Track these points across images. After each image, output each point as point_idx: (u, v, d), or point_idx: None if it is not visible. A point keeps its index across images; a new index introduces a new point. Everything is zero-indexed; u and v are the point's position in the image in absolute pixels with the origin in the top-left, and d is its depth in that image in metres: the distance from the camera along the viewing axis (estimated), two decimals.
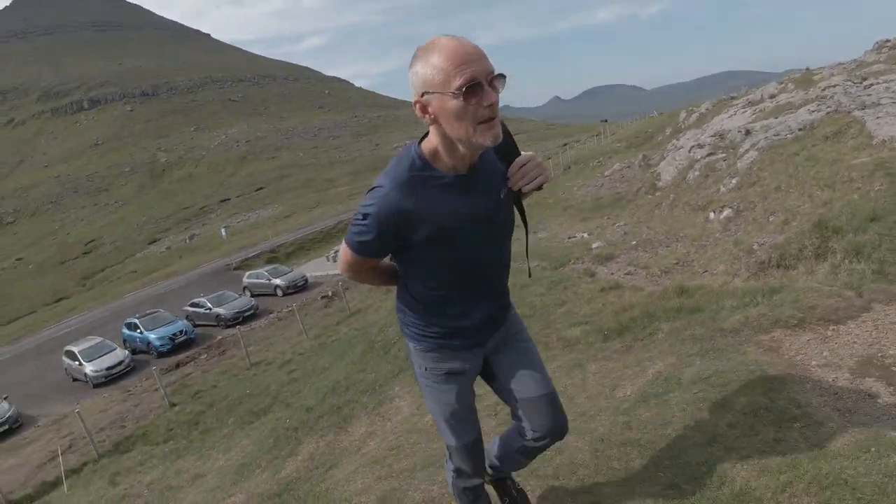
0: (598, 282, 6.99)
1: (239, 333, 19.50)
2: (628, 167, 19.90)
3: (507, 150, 1.89)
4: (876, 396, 2.72)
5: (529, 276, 2.67)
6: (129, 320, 26.22)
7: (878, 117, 8.61)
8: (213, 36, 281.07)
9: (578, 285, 6.88)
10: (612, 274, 7.60)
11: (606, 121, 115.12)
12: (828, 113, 9.67)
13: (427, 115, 1.68)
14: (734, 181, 9.35)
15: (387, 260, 2.06)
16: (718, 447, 2.59)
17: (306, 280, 30.50)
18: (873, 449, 2.28)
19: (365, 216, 1.77)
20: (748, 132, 11.03)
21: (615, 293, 6.26)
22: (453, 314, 2.02)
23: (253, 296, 29.58)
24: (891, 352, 3.13)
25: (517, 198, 1.95)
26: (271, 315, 25.40)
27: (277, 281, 29.86)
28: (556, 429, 2.16)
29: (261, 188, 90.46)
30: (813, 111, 10.10)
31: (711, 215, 8.61)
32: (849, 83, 14.20)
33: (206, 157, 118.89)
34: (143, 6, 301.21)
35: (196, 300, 28.10)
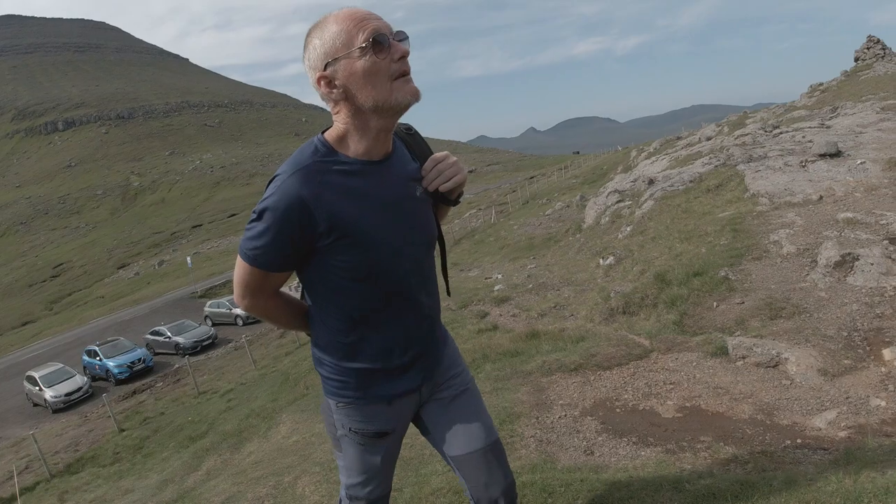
0: (480, 324, 7.91)
1: (188, 364, 20.25)
2: (568, 207, 20.93)
3: (421, 150, 1.79)
4: (579, 432, 3.62)
5: (448, 294, 2.25)
6: (89, 347, 26.68)
7: (757, 171, 9.69)
8: (193, 61, 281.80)
9: (464, 326, 7.80)
10: (501, 316, 8.53)
11: (578, 152, 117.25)
12: (716, 166, 10.78)
13: (334, 90, 1.52)
14: (629, 229, 10.39)
15: (295, 295, 1.85)
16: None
17: None
18: (538, 474, 2.99)
19: (260, 213, 1.52)
20: (651, 182, 12.13)
21: (487, 335, 7.19)
22: (379, 347, 1.72)
23: (214, 325, 30.18)
24: (625, 396, 4.03)
25: (435, 203, 1.79)
26: (229, 345, 25.99)
27: (238, 311, 30.44)
28: (506, 487, 1.89)
29: (234, 214, 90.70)
30: (706, 164, 11.22)
31: (601, 261, 9.62)
32: (760, 132, 15.46)
33: (179, 181, 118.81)
34: (124, 29, 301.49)
35: (157, 328, 28.61)
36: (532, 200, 33.76)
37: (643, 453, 3.14)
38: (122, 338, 27.68)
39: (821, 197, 7.59)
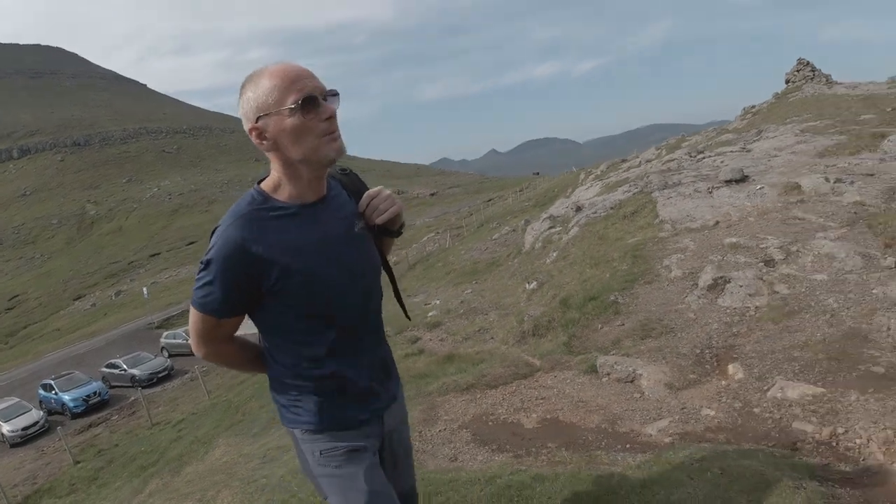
0: (409, 349, 8.37)
1: (141, 396, 20.42)
2: (514, 231, 21.53)
3: (356, 187, 1.87)
4: (451, 442, 4.10)
5: (408, 318, 2.03)
6: (44, 381, 26.59)
7: (668, 198, 10.34)
8: (151, 86, 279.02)
9: (394, 351, 8.22)
10: (430, 340, 9.00)
11: (538, 173, 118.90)
12: (634, 193, 11.45)
13: (265, 141, 1.60)
14: (555, 255, 10.96)
15: (250, 337, 1.89)
16: None
17: None
18: None
19: (206, 264, 1.60)
20: (579, 208, 12.77)
21: (413, 359, 7.65)
22: (333, 379, 1.77)
23: (170, 356, 30.20)
24: (499, 410, 4.53)
25: (375, 236, 1.86)
26: (185, 375, 26.02)
27: None
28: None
29: (192, 242, 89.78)
30: (626, 191, 11.90)
31: (527, 286, 10.16)
32: (686, 157, 16.28)
33: (137, 209, 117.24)
34: (81, 55, 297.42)
35: (112, 361, 28.59)
36: (486, 224, 34.38)
37: (496, 458, 3.63)
38: (77, 371, 27.64)
39: (717, 222, 8.25)
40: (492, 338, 8.21)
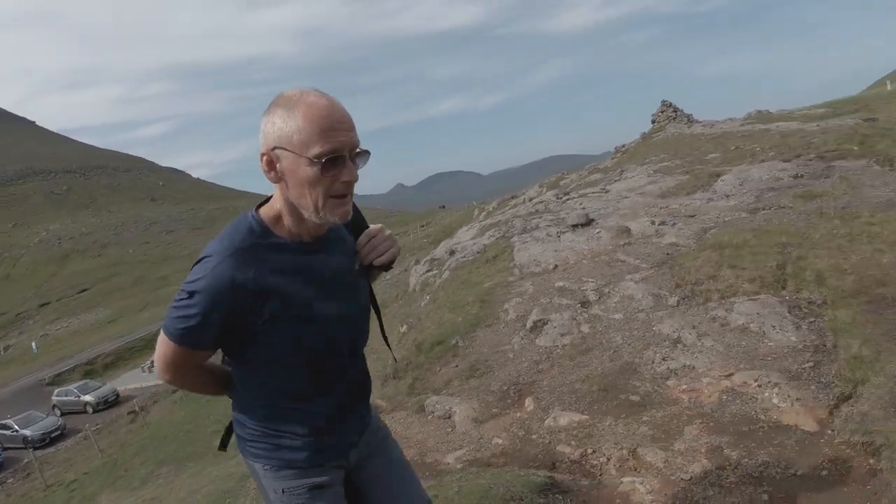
0: None
1: (35, 458, 19.90)
2: (405, 271, 22.33)
3: (356, 222, 1.81)
4: None
5: (395, 360, 2.24)
6: None
7: (524, 242, 11.33)
8: (39, 124, 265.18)
9: None
10: None
11: (444, 207, 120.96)
12: (497, 238, 12.47)
13: (273, 172, 1.54)
14: (428, 298, 11.79)
15: (216, 363, 1.83)
16: None
17: (117, 395, 30.71)
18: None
19: (191, 294, 1.52)
20: (452, 252, 13.70)
21: None
22: (311, 415, 1.74)
23: (63, 414, 29.36)
24: None
25: (367, 272, 1.84)
26: (79, 434, 25.28)
27: (87, 398, 29.82)
28: None
29: (85, 289, 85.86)
30: (491, 236, 12.93)
31: (401, 329, 10.91)
32: (553, 199, 17.61)
33: (24, 255, 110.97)
34: None
35: (3, 422, 27.69)
36: (411, 255, 34.98)
37: None
38: None
39: (556, 266, 9.27)
40: None
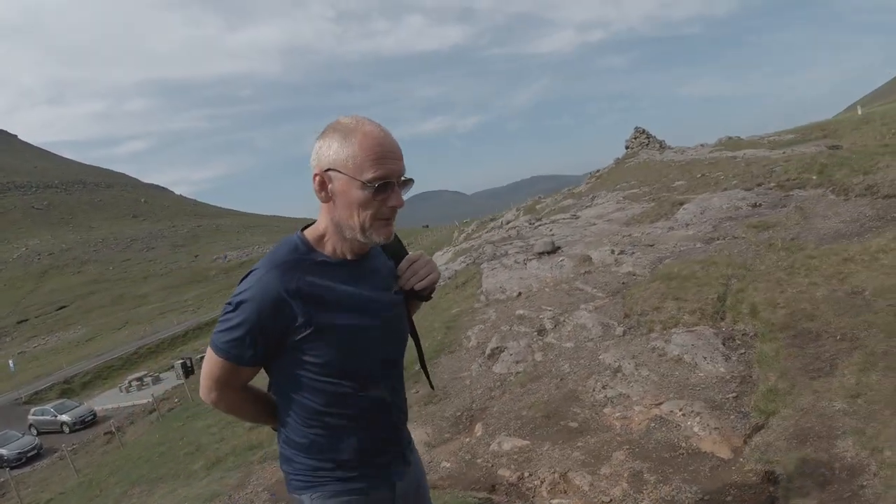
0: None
1: (10, 477, 19.98)
2: None
3: (395, 248, 1.87)
4: (253, 502, 5.07)
5: (432, 387, 2.51)
6: None
7: (493, 269, 11.70)
8: (21, 137, 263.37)
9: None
10: None
11: (427, 226, 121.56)
12: (468, 265, 12.85)
13: (324, 192, 1.63)
14: None
15: (263, 390, 1.87)
16: None
17: (94, 415, 30.72)
18: None
19: (237, 305, 1.59)
20: None
21: (255, 431, 8.46)
22: (349, 446, 1.75)
23: (39, 433, 29.35)
24: None
25: (406, 300, 1.88)
26: (55, 454, 25.27)
27: (64, 417, 29.82)
28: None
29: (63, 307, 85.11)
30: (462, 262, 13.31)
31: None
32: (526, 224, 18.04)
33: (3, 271, 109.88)
34: None
35: None
36: None
37: None
38: None
39: (519, 294, 9.65)
40: None
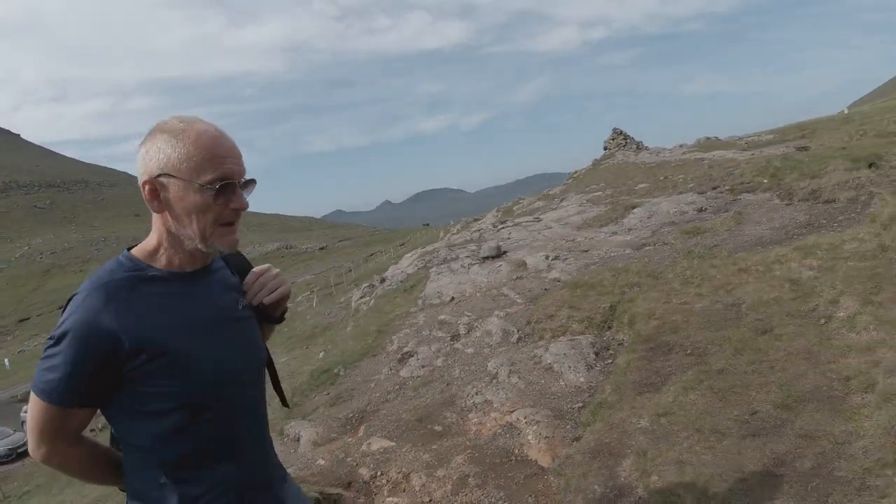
0: None
1: None
2: (362, 296, 23.10)
3: (240, 265, 1.75)
4: None
5: (286, 405, 2.23)
6: None
7: (439, 273, 12.09)
8: (24, 136, 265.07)
9: None
10: None
11: (428, 224, 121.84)
12: (419, 268, 13.26)
13: (156, 202, 1.48)
14: (352, 324, 12.54)
15: (103, 442, 1.69)
16: None
17: None
18: None
19: (58, 339, 1.39)
20: (383, 280, 14.50)
21: None
22: (208, 491, 1.53)
23: None
24: None
25: (259, 316, 1.73)
26: None
27: None
28: None
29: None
30: (415, 265, 13.73)
31: (320, 355, 11.66)
32: (490, 227, 18.42)
33: (5, 270, 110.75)
34: None
35: None
36: (359, 281, 35.50)
37: None
38: None
39: (452, 298, 10.05)
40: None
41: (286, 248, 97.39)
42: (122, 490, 1.66)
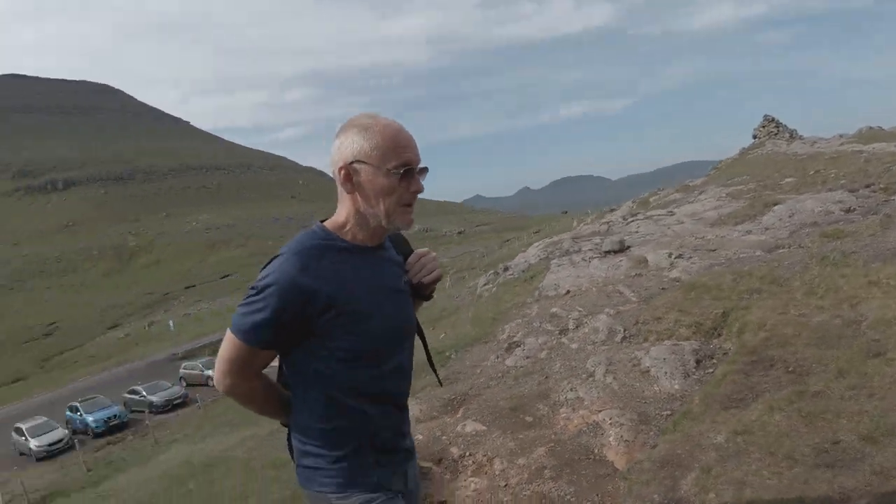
0: None
1: (149, 421, 23.30)
2: (486, 283, 23.45)
3: (403, 246, 2.01)
4: None
5: (440, 383, 2.75)
6: (71, 404, 30.21)
7: (559, 266, 12.13)
8: (193, 123, 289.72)
9: None
10: None
11: (567, 212, 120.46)
12: (541, 259, 13.36)
13: (349, 184, 1.74)
14: (472, 310, 12.91)
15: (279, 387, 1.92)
16: None
17: None
18: None
19: (262, 289, 1.65)
20: (507, 268, 14.73)
21: None
22: (365, 433, 1.80)
23: (189, 385, 33.15)
24: None
25: (413, 292, 1.98)
26: (196, 404, 28.56)
27: (209, 372, 33.22)
28: None
29: (227, 275, 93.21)
30: (537, 256, 13.83)
31: (441, 336, 12.11)
32: (620, 219, 18.11)
33: (174, 242, 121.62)
34: (128, 93, 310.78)
35: (134, 387, 32.05)
36: (489, 267, 35.93)
37: None
38: (100, 396, 31.18)
39: (568, 291, 10.07)
40: None
41: (425, 231, 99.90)
42: (283, 425, 1.99)
